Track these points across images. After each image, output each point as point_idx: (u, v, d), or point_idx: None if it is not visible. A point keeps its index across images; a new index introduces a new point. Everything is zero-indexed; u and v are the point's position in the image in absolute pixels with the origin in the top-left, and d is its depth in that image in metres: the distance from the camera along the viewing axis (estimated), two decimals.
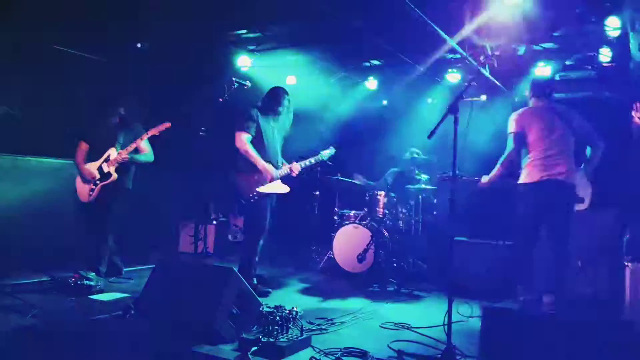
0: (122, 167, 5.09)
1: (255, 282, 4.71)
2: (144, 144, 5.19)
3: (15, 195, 5.84)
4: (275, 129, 4.93)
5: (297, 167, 4.94)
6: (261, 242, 4.82)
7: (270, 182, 4.72)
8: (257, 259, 4.81)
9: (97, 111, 5.39)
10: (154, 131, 5.05)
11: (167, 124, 5.06)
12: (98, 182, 5.05)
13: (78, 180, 5.19)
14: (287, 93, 5.02)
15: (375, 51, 7.40)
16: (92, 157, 5.15)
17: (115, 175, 5.04)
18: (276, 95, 4.95)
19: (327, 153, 5.25)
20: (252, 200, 4.67)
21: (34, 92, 6.37)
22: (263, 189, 4.68)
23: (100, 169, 5.07)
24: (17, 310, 3.65)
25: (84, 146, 5.22)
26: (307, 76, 8.53)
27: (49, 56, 6.47)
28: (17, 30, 6.05)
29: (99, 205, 5.08)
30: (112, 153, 5.07)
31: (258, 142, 4.73)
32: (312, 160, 5.11)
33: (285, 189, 4.86)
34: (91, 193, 5.05)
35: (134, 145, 5.07)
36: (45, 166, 6.19)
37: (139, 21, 6.36)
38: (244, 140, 4.65)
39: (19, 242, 5.35)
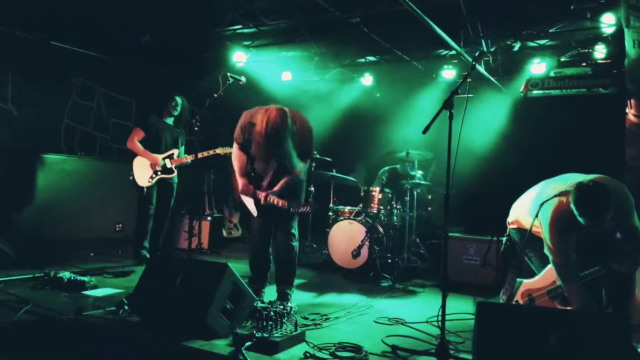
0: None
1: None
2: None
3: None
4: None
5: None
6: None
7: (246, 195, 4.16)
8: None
9: (159, 105, 5.76)
10: (221, 151, 5.57)
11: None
12: (159, 172, 5.61)
13: (136, 164, 5.60)
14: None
15: (371, 47, 7.39)
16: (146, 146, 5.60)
17: (175, 172, 5.73)
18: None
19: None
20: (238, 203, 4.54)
21: (28, 88, 6.34)
22: (243, 199, 4.21)
23: (164, 163, 5.64)
24: (10, 306, 3.63)
25: (140, 133, 5.61)
26: (302, 72, 8.52)
27: (45, 51, 6.43)
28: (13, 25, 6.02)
29: (152, 194, 5.62)
30: (176, 153, 5.73)
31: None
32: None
33: (253, 210, 4.15)
34: (150, 180, 5.57)
35: (205, 154, 5.49)
36: (39, 161, 6.17)
37: (135, 17, 6.33)
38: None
39: (12, 237, 5.32)
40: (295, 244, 4.29)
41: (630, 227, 3.24)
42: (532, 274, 3.73)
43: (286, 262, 4.27)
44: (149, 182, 5.56)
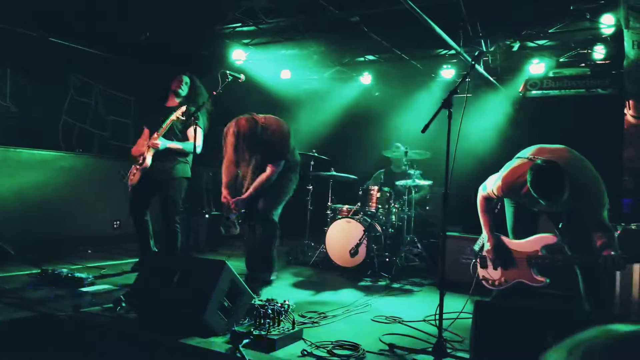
0: (162, 154, 4.82)
1: None
2: (192, 132, 4.66)
3: (6, 187, 5.80)
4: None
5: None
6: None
7: None
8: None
9: (159, 96, 5.17)
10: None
11: None
12: (139, 165, 4.87)
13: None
14: None
15: (370, 46, 7.39)
16: None
17: (148, 161, 4.78)
18: None
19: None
20: None
21: (27, 85, 6.33)
22: None
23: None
24: (7, 302, 3.63)
25: (145, 132, 5.06)
26: (301, 70, 8.52)
27: (44, 48, 6.42)
28: (12, 22, 6.00)
29: (141, 190, 4.91)
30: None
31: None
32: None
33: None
34: (132, 177, 4.91)
35: (162, 130, 4.79)
36: (36, 158, 6.16)
37: (134, 14, 6.32)
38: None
39: (9, 234, 5.31)
40: (274, 232, 4.61)
41: (594, 211, 3.13)
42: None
43: (259, 248, 4.60)
44: (131, 179, 4.92)
